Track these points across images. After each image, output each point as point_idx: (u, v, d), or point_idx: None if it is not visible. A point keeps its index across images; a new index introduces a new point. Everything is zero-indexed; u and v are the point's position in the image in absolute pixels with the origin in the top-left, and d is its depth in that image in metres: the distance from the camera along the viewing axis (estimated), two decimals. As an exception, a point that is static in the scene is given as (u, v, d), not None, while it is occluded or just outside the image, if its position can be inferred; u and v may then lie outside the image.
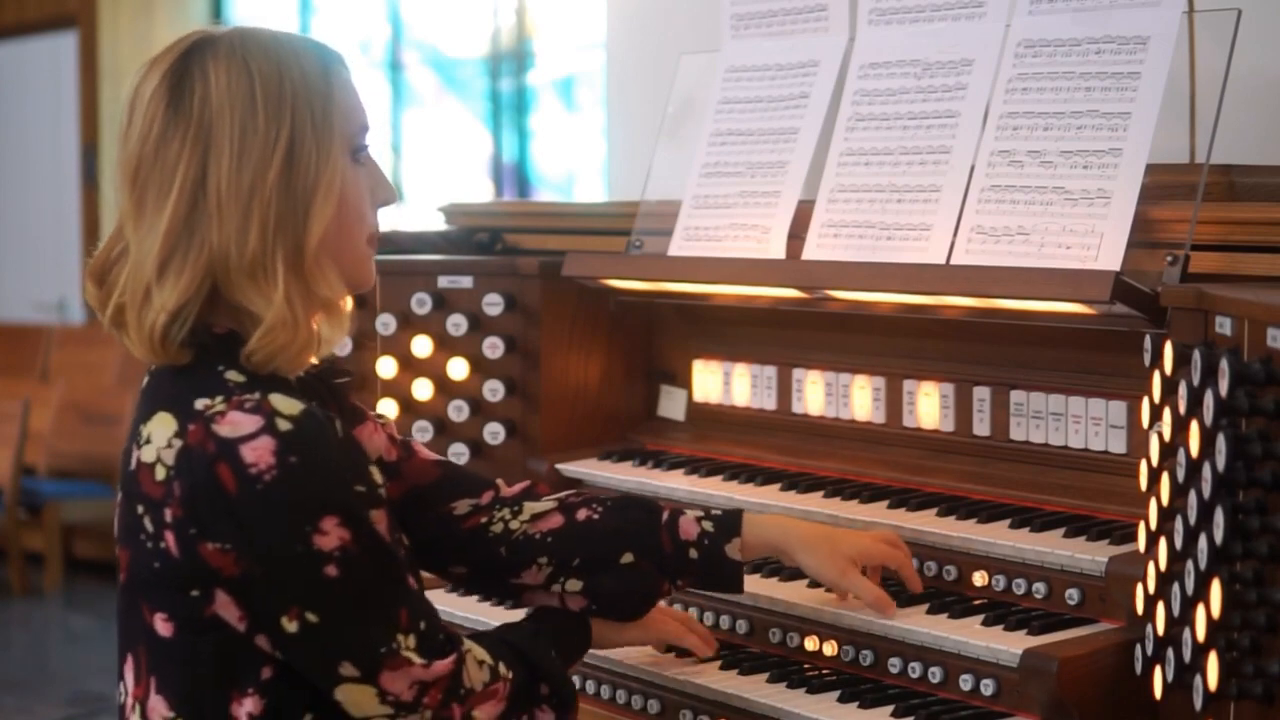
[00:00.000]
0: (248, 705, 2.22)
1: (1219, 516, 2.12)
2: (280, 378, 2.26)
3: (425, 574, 2.61)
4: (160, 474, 2.17)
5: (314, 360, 2.34)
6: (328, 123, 2.25)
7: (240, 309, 2.23)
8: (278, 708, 2.23)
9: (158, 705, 2.24)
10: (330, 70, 2.28)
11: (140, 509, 2.20)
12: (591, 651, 2.66)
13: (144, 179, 2.22)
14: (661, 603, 2.75)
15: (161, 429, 2.19)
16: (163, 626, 2.21)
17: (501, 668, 2.36)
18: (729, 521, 2.67)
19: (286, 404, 2.17)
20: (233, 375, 2.23)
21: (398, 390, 3.64)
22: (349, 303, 2.35)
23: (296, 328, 2.23)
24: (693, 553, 2.64)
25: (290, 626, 2.17)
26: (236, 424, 2.14)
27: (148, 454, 2.19)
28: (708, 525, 2.66)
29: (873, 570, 2.75)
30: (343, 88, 2.29)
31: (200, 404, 2.18)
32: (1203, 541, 2.18)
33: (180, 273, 2.20)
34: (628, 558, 2.62)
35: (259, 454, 2.13)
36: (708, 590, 2.84)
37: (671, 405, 3.62)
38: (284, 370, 2.25)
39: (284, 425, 2.15)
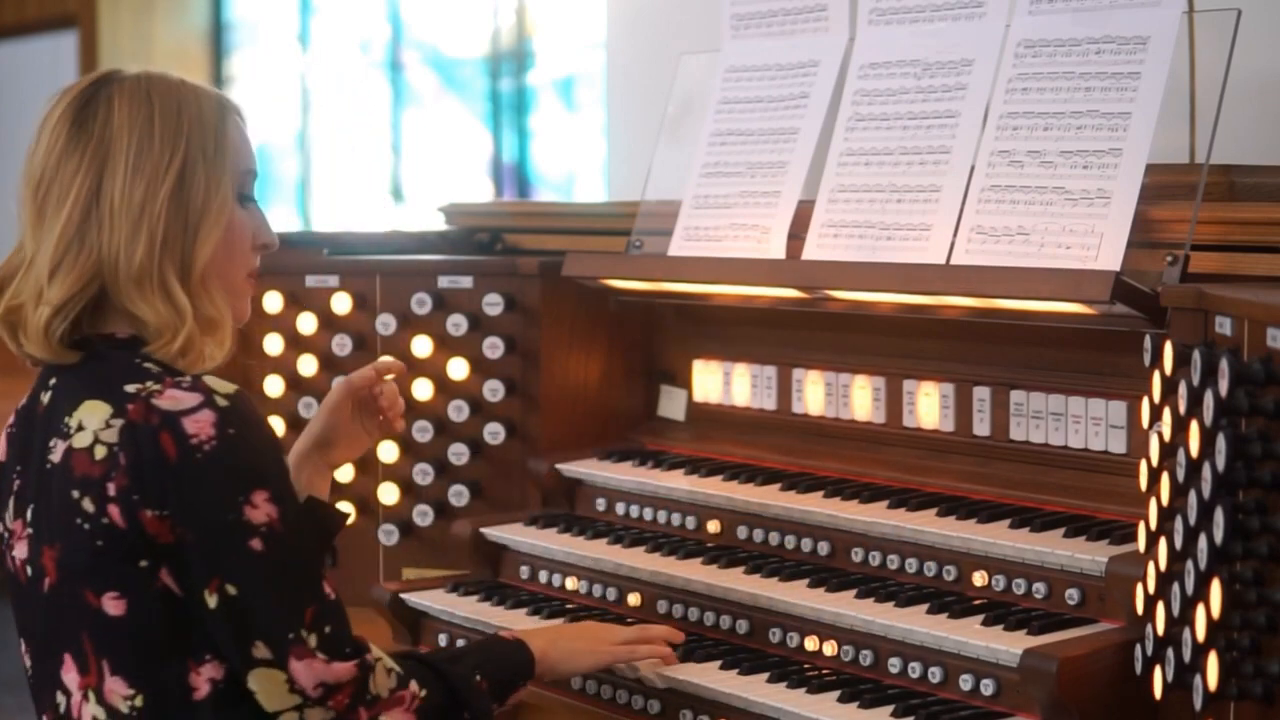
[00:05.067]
0: (207, 671, 2.30)
1: (1219, 516, 2.12)
2: None
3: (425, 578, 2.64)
4: (100, 453, 2.27)
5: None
6: (220, 157, 2.40)
7: (131, 315, 2.34)
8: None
9: (116, 686, 2.30)
10: (226, 114, 2.44)
11: (75, 494, 2.28)
12: None
13: (44, 191, 2.37)
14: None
15: (93, 414, 2.29)
16: (113, 605, 2.28)
17: (413, 684, 2.41)
18: None
19: (220, 384, 2.30)
20: (151, 365, 2.33)
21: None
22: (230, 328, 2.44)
23: (176, 335, 2.33)
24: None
25: (210, 600, 2.26)
26: (177, 399, 2.26)
27: (81, 439, 2.29)
28: None
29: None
30: (236, 130, 2.44)
31: (131, 388, 2.29)
32: (1203, 541, 2.18)
33: (69, 273, 2.33)
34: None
35: (200, 426, 2.25)
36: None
37: (671, 405, 3.62)
38: (187, 370, 2.35)
39: (222, 401, 2.27)
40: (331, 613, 2.33)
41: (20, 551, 2.38)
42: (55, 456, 2.31)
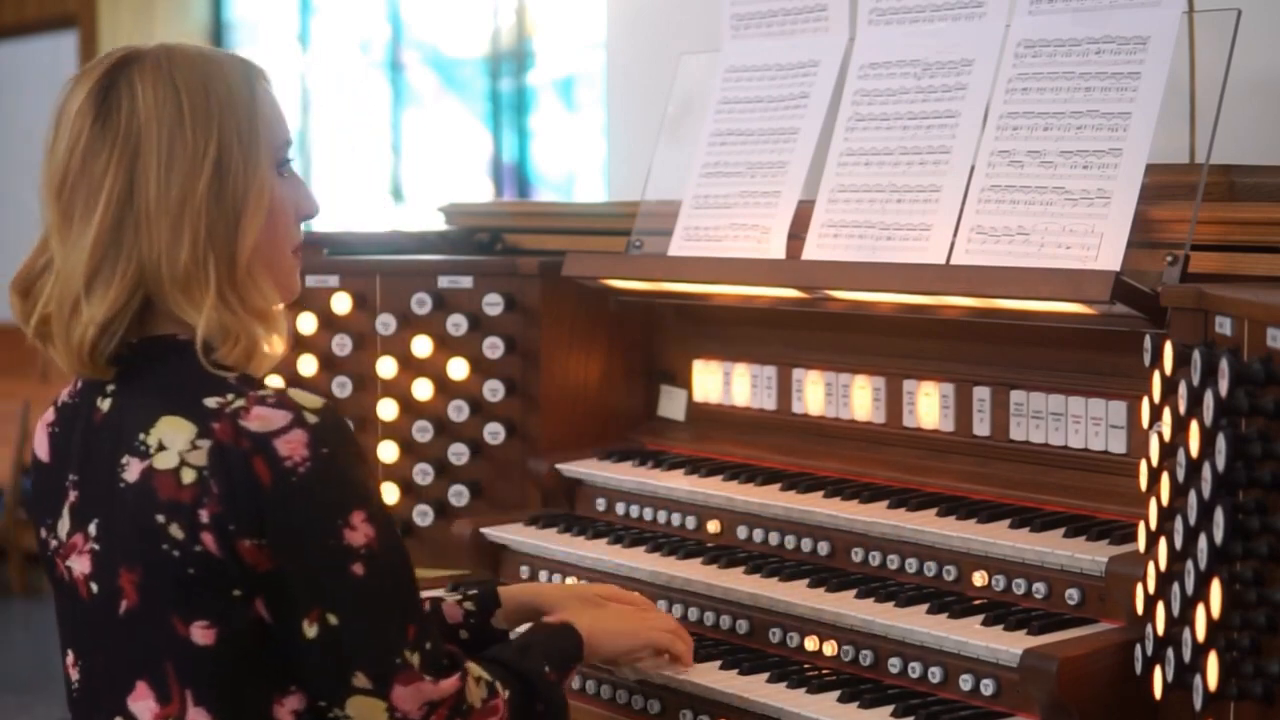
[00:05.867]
0: (290, 703, 2.21)
1: (1219, 516, 2.12)
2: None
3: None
4: (189, 477, 2.15)
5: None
6: (254, 135, 2.25)
7: (180, 321, 2.22)
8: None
9: (198, 718, 2.19)
10: (254, 84, 2.29)
11: (161, 518, 2.16)
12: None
13: (70, 192, 2.23)
14: (658, 606, 2.77)
15: (176, 434, 2.17)
16: (202, 635, 2.17)
17: (498, 686, 2.35)
18: (486, 595, 2.73)
19: (306, 398, 2.19)
20: (224, 373, 2.22)
21: (398, 390, 3.64)
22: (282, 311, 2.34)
23: (239, 337, 2.22)
24: (463, 634, 2.68)
25: (310, 630, 2.16)
26: (266, 419, 2.15)
27: (164, 460, 2.16)
28: (469, 605, 2.71)
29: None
30: (266, 101, 2.30)
31: (212, 402, 2.17)
32: (1203, 541, 2.18)
33: (109, 285, 2.20)
34: None
35: (293, 447, 2.14)
36: None
37: (671, 405, 3.62)
38: (254, 373, 2.26)
39: (312, 418, 2.16)
40: (429, 628, 2.25)
41: (80, 565, 2.25)
42: (130, 476, 2.18)
